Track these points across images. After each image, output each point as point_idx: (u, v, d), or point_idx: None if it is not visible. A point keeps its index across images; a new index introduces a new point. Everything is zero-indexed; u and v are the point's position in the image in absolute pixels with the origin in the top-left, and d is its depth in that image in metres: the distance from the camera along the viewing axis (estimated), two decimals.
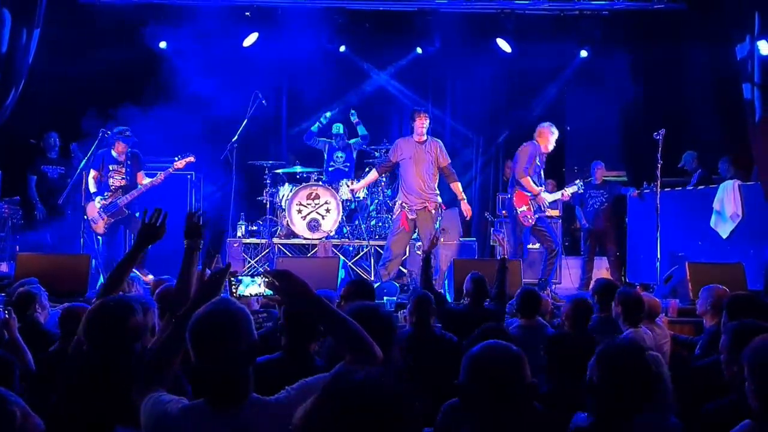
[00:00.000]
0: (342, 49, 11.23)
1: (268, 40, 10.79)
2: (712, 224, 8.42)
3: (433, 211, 8.03)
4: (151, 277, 7.27)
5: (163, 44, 10.66)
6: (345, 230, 9.49)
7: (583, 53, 10.99)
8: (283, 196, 9.52)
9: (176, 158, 8.40)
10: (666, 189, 8.73)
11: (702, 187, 8.98)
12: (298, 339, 3.06)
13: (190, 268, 3.01)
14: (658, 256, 8.01)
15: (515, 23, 10.65)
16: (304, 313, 3.10)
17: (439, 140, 8.30)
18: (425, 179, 8.01)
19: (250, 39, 10.80)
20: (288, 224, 9.30)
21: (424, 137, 8.07)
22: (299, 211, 9.23)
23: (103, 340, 2.73)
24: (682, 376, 4.19)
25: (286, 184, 9.71)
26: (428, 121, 8.10)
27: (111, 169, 8.26)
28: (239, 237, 9.68)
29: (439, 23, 10.74)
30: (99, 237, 8.24)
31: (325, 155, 9.95)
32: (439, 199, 8.14)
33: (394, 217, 8.34)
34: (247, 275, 2.45)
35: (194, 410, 2.21)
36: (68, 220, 9.10)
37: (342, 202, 9.28)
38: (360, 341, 2.26)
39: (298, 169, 9.83)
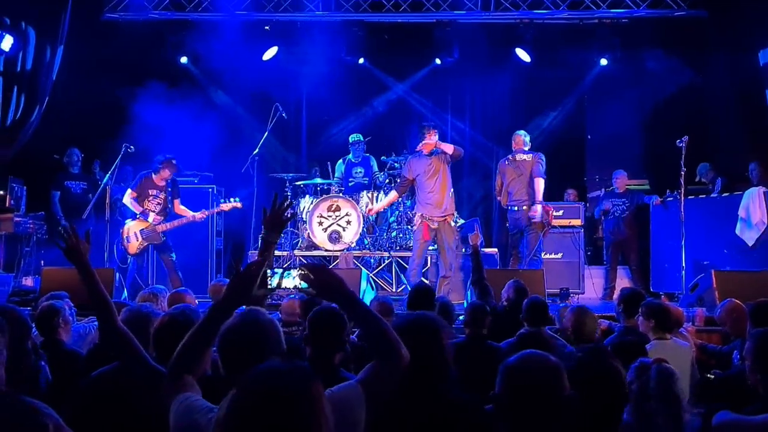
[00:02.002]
0: (361, 61, 11.27)
1: (287, 54, 10.86)
2: (737, 232, 8.31)
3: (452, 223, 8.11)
4: None
5: (184, 59, 10.78)
6: (366, 242, 9.47)
7: (603, 61, 10.95)
8: (304, 208, 9.53)
9: (222, 200, 8.60)
10: (690, 197, 8.63)
11: (726, 194, 8.88)
12: (323, 350, 3.04)
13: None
14: (683, 264, 7.92)
15: (534, 33, 10.65)
16: (329, 324, 3.09)
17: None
18: (444, 191, 8.01)
19: (270, 53, 10.88)
20: (309, 236, 9.30)
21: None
22: (320, 223, 9.23)
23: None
24: (709, 385, 4.12)
25: (307, 196, 9.73)
26: (437, 135, 8.01)
27: (150, 194, 8.32)
28: None
29: (457, 34, 10.76)
30: (129, 256, 8.28)
31: (344, 171, 9.96)
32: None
33: (415, 228, 8.31)
34: (281, 268, 2.43)
35: None
36: (91, 234, 9.15)
37: (362, 214, 9.26)
38: (387, 341, 2.27)
39: (318, 180, 9.84)
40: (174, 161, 8.28)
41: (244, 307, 2.48)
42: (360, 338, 2.42)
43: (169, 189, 8.35)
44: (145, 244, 8.21)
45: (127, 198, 8.28)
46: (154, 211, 8.25)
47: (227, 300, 2.36)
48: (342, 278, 2.34)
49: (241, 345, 2.20)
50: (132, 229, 8.22)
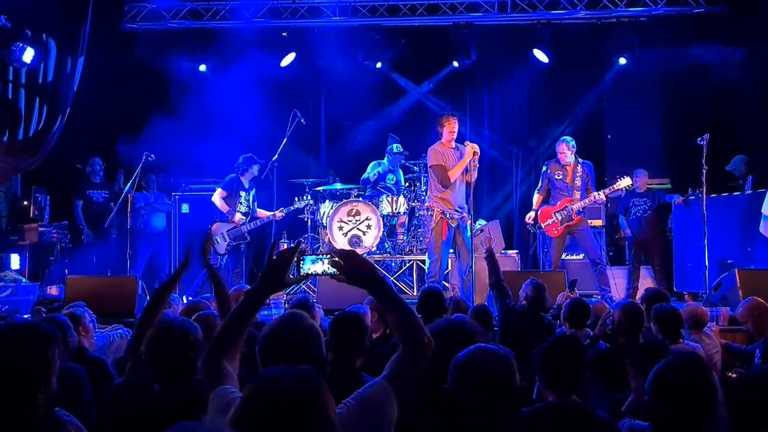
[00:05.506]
0: (378, 65, 11.29)
1: (305, 60, 10.91)
2: (761, 229, 8.22)
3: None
4: None
5: (202, 67, 10.86)
6: (386, 246, 9.46)
7: (622, 60, 10.89)
8: (324, 213, 9.54)
9: (296, 199, 9.05)
10: (712, 195, 8.55)
11: (750, 192, 8.78)
12: (344, 354, 3.05)
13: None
14: (707, 263, 7.85)
15: (552, 33, 10.62)
16: (351, 328, 3.11)
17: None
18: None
19: (288, 59, 10.94)
20: (330, 241, 9.31)
21: (453, 144, 7.87)
22: (340, 228, 9.23)
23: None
24: (735, 386, 4.08)
25: (327, 201, 9.73)
26: (456, 124, 7.86)
27: (242, 195, 8.61)
28: None
29: (474, 36, 10.77)
30: (220, 256, 8.48)
31: (377, 174, 9.79)
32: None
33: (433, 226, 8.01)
34: (312, 254, 2.43)
35: None
36: (114, 242, 9.26)
37: (383, 218, 9.25)
38: (414, 327, 2.25)
39: (338, 186, 9.85)
40: (256, 157, 8.64)
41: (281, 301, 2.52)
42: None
43: (252, 190, 8.71)
44: (234, 243, 8.50)
45: (217, 197, 8.57)
46: (240, 212, 8.55)
47: (260, 286, 2.38)
48: (372, 264, 2.33)
49: (280, 349, 2.20)
50: (220, 229, 8.50)
